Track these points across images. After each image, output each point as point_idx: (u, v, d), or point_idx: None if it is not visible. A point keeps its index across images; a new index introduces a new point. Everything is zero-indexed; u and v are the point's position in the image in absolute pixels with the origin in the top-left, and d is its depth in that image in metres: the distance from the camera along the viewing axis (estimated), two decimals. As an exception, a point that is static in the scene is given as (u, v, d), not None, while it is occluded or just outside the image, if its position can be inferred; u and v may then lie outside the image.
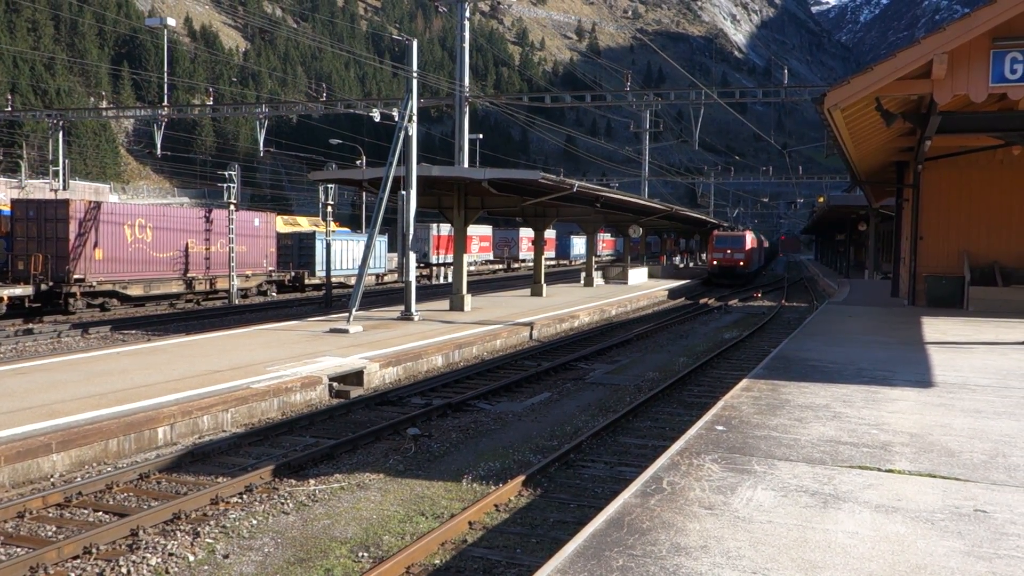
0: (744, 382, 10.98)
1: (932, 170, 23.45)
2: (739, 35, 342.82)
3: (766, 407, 9.31)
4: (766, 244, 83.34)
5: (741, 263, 49.61)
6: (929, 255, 23.67)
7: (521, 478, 9.35)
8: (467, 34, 27.89)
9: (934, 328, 17.65)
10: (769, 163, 78.58)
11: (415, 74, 22.32)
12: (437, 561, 7.31)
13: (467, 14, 27.80)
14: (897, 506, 5.97)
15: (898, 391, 10.38)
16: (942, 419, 8.83)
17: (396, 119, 22.19)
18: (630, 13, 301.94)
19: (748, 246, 50.14)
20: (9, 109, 47.56)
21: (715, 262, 49.75)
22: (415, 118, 22.06)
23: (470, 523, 8.14)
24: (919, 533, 5.43)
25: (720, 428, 8.31)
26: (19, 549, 7.58)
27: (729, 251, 49.31)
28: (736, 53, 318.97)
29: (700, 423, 8.62)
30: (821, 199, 57.08)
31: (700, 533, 5.37)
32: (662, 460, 7.18)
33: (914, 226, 23.79)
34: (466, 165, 28.86)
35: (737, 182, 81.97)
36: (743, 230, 52.64)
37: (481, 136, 57.39)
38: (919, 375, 11.60)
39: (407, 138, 21.72)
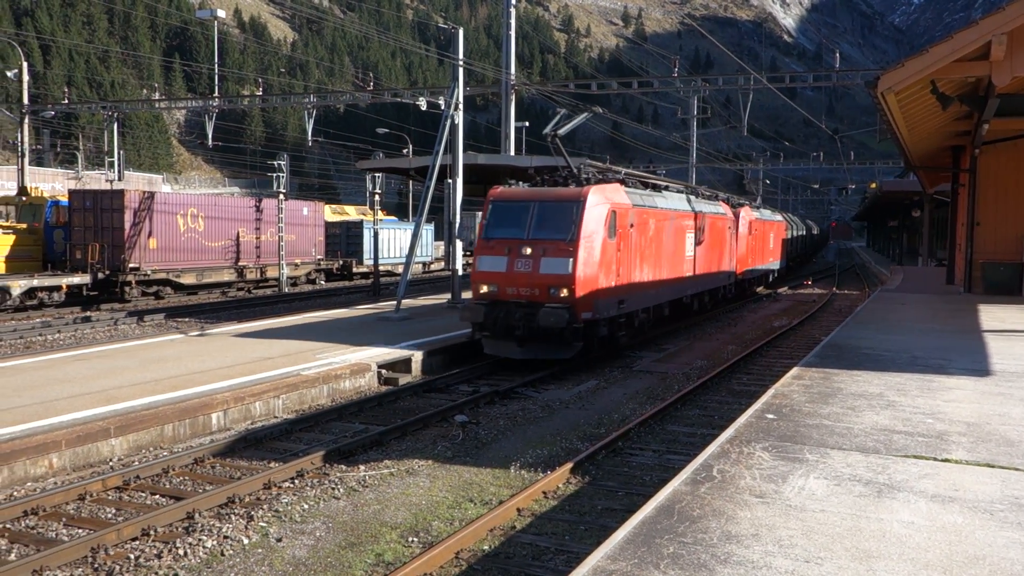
0: (795, 370, 10.84)
1: (990, 154, 22.89)
2: (788, 19, 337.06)
3: (818, 395, 9.18)
4: (814, 230, 69.75)
5: (563, 295, 15.10)
6: (986, 241, 23.12)
7: (569, 465, 9.36)
8: (513, 21, 27.81)
9: (991, 315, 17.25)
10: (819, 149, 77.20)
11: (461, 62, 22.33)
12: (486, 547, 7.36)
13: (513, 1, 27.72)
14: (954, 496, 5.87)
15: (954, 380, 10.17)
16: (1000, 408, 8.64)
17: (442, 107, 22.24)
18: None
19: (588, 240, 15.46)
20: (66, 102, 48.62)
21: (484, 286, 15.85)
22: (461, 106, 22.08)
23: (518, 510, 8.17)
24: (977, 524, 5.33)
25: (771, 416, 8.22)
26: (81, 530, 7.80)
27: (528, 251, 15.49)
28: (785, 37, 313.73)
29: (750, 411, 8.54)
30: (873, 185, 54.20)
31: (751, 521, 5.33)
32: (712, 448, 7.13)
33: (971, 212, 23.24)
34: (512, 153, 28.84)
35: (787, 168, 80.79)
36: (589, 183, 16.50)
37: (527, 124, 57.23)
38: (976, 363, 11.35)
39: (453, 126, 21.76)
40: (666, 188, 21.97)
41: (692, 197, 23.59)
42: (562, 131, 17.39)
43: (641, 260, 17.98)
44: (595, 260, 15.54)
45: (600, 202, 15.97)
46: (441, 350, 16.02)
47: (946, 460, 6.76)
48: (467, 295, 24.33)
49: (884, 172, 70.65)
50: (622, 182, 18.12)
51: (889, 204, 57.05)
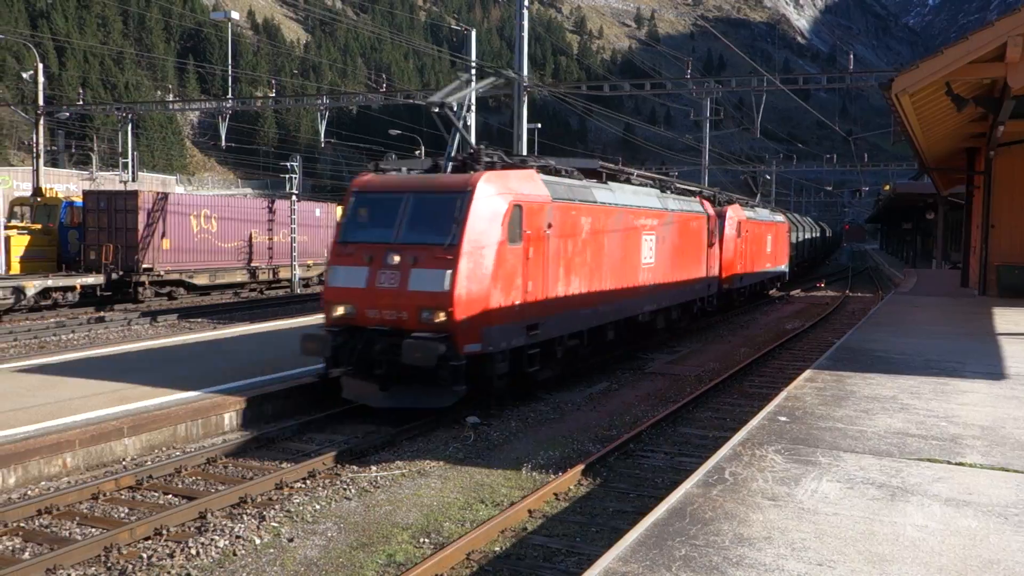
0: (808, 373, 10.81)
1: (1005, 156, 22.75)
2: (802, 20, 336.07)
3: (831, 398, 9.14)
4: (827, 232, 67.65)
5: (438, 319, 11.22)
6: (1001, 243, 22.98)
7: (580, 467, 9.35)
8: (526, 23, 27.82)
9: (1006, 319, 17.14)
10: (833, 151, 76.93)
11: (473, 64, 22.37)
12: (497, 548, 7.36)
13: (526, 2, 27.73)
14: (968, 500, 5.83)
15: (968, 383, 10.11)
16: (1015, 412, 8.58)
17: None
18: (690, 0, 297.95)
19: (477, 245, 11.45)
20: (80, 103, 48.91)
21: (338, 307, 11.93)
22: (473, 108, 22.11)
23: (530, 511, 8.17)
24: (992, 528, 5.30)
25: (783, 419, 8.19)
26: (94, 529, 7.84)
27: (396, 260, 11.61)
28: (799, 39, 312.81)
29: (763, 414, 8.52)
30: (887, 187, 53.88)
31: (764, 524, 5.31)
32: (724, 450, 7.11)
33: (985, 214, 23.11)
34: (524, 154, 28.84)
35: (800, 170, 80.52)
36: (494, 167, 12.64)
37: (539, 125, 57.17)
38: (990, 367, 11.28)
39: (466, 128, 21.79)
40: (627, 180, 18.11)
41: (658, 192, 19.56)
42: (451, 100, 13.40)
43: (567, 270, 13.79)
44: (486, 272, 11.49)
45: (496, 193, 11.85)
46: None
47: (960, 464, 6.72)
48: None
49: (898, 174, 70.33)
50: (546, 169, 14.20)
51: (903, 206, 56.78)
